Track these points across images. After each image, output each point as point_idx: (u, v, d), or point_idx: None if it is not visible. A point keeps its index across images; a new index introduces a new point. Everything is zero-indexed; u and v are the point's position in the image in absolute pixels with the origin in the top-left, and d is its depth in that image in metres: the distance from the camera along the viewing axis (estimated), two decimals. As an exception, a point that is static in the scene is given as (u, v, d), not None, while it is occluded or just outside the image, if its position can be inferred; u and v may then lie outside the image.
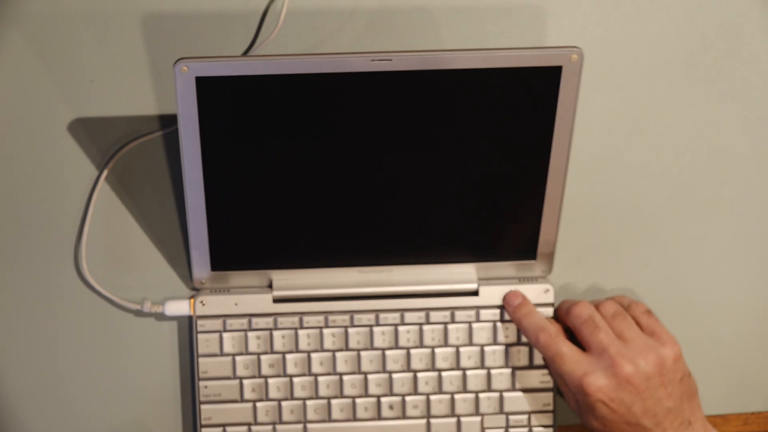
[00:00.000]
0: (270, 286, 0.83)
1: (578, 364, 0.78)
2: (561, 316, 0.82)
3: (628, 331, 0.79)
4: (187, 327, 0.85)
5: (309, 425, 0.83)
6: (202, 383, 0.83)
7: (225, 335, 0.82)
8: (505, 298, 0.83)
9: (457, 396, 0.83)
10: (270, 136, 0.75)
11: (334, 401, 0.83)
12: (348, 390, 0.83)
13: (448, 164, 0.77)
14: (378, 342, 0.83)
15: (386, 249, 0.81)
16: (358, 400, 0.83)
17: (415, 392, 0.83)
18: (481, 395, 0.84)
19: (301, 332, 0.82)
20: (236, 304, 0.82)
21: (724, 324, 0.88)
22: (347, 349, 0.83)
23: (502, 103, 0.75)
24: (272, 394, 0.83)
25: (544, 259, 0.83)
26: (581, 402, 0.78)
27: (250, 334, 0.82)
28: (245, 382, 0.83)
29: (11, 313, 0.84)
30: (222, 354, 0.82)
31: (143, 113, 0.83)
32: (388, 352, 0.83)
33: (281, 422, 0.83)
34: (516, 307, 0.82)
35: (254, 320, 0.82)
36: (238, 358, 0.82)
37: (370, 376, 0.83)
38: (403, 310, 0.83)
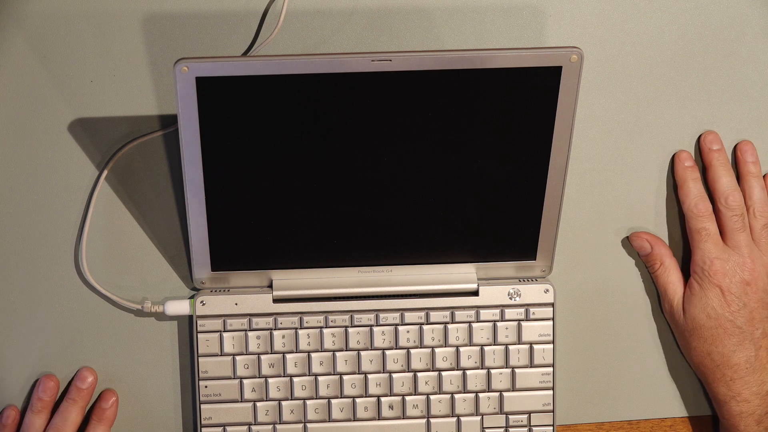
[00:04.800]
0: (270, 286, 0.83)
1: (717, 246, 0.82)
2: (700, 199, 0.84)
3: (765, 243, 0.84)
4: (187, 327, 0.85)
5: (309, 425, 0.83)
6: (202, 383, 0.83)
7: (225, 335, 0.82)
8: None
9: (457, 396, 0.84)
10: (270, 136, 0.75)
11: (334, 401, 0.83)
12: (348, 390, 0.83)
13: (448, 164, 0.77)
14: (378, 342, 0.83)
15: (386, 249, 0.81)
16: (358, 400, 0.83)
17: (415, 392, 0.83)
18: (481, 395, 0.84)
19: (301, 332, 0.82)
20: (236, 304, 0.82)
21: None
22: (347, 349, 0.83)
23: (502, 103, 0.75)
24: (272, 394, 0.83)
25: (544, 259, 0.83)
26: (699, 285, 0.81)
27: (250, 334, 0.82)
28: (245, 382, 0.83)
29: (11, 313, 0.84)
30: (222, 354, 0.82)
31: (143, 113, 0.83)
32: (388, 352, 0.83)
33: (281, 422, 0.83)
34: (688, 168, 0.84)
35: (254, 320, 0.82)
36: (238, 358, 0.82)
37: (370, 376, 0.83)
38: (403, 310, 0.83)
